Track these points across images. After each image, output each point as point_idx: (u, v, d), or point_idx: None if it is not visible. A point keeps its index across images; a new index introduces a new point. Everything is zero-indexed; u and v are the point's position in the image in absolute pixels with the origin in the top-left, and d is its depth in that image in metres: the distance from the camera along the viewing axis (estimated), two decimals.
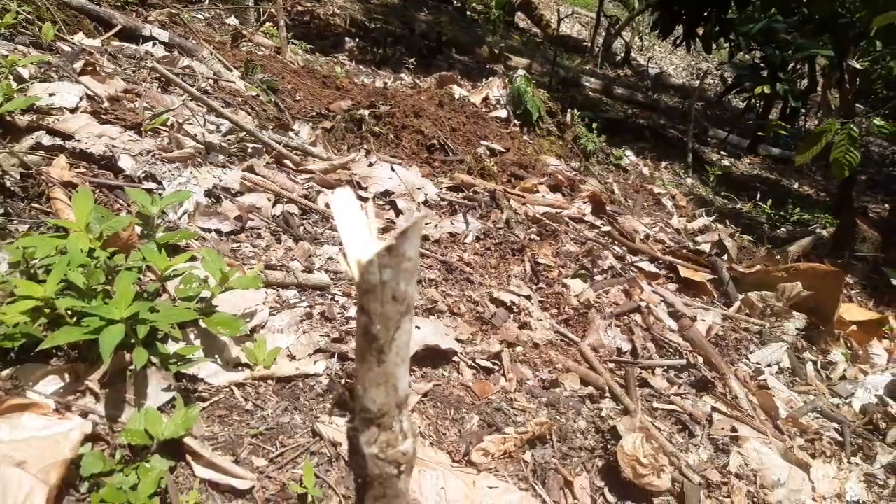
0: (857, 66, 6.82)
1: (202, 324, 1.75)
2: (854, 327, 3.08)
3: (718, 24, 9.01)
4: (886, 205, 7.90)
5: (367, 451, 0.86)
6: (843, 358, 2.83)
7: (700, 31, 9.18)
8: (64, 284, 1.55)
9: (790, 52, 8.76)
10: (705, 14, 8.87)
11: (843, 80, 6.11)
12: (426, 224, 2.94)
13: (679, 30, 9.24)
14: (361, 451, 0.87)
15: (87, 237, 1.60)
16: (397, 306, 0.79)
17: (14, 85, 2.42)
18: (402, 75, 6.95)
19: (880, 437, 2.35)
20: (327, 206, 2.81)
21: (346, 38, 8.01)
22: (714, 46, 9.56)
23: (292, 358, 1.89)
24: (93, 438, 1.46)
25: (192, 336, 1.79)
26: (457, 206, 3.24)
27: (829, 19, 6.96)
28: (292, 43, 6.51)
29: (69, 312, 1.51)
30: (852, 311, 3.24)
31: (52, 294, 1.47)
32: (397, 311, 0.80)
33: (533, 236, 3.19)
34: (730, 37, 9.33)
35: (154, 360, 1.62)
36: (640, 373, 2.32)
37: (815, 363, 2.78)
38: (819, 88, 11.07)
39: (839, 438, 2.28)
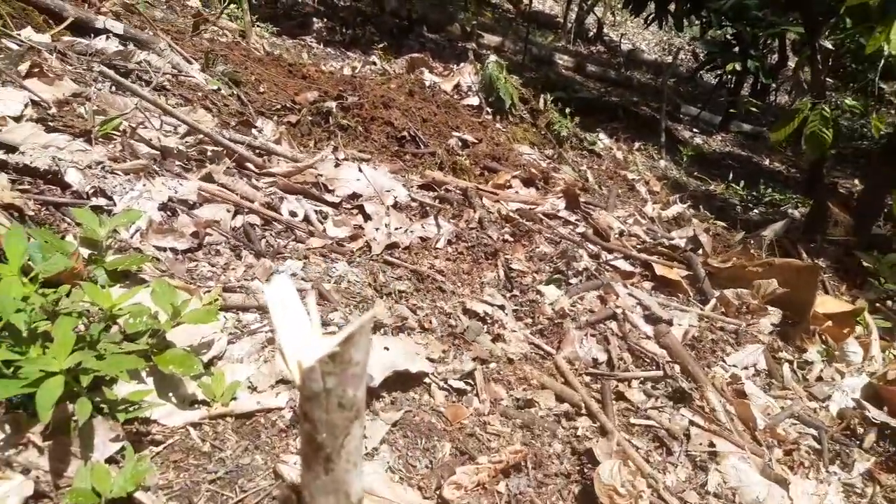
0: (829, 45, 6.78)
1: (154, 359, 1.65)
2: (829, 322, 3.05)
3: (689, 0, 8.92)
4: (856, 180, 7.94)
5: None
6: (818, 357, 2.80)
7: (672, 7, 9.07)
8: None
9: (761, 28, 8.70)
10: None
11: (814, 59, 6.03)
12: (396, 230, 2.84)
13: (651, 6, 9.13)
14: None
15: (21, 282, 1.48)
16: (344, 413, 0.70)
17: None
18: (373, 58, 6.76)
19: (857, 443, 2.32)
20: (292, 214, 2.70)
21: (314, 19, 7.79)
22: (686, 23, 9.47)
23: (253, 390, 1.80)
24: (36, 496, 1.37)
25: (144, 373, 1.68)
26: (428, 208, 3.14)
27: None
28: (257, 26, 6.30)
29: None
30: (827, 304, 3.20)
31: None
32: (345, 418, 0.71)
33: (506, 237, 3.11)
34: (701, 13, 9.25)
35: (102, 405, 1.52)
36: (617, 385, 2.27)
37: (791, 363, 2.75)
38: (790, 63, 11.07)
39: (817, 446, 2.25)
